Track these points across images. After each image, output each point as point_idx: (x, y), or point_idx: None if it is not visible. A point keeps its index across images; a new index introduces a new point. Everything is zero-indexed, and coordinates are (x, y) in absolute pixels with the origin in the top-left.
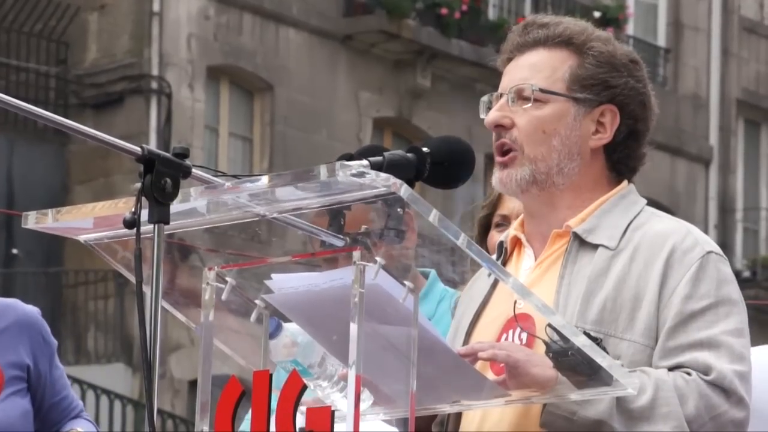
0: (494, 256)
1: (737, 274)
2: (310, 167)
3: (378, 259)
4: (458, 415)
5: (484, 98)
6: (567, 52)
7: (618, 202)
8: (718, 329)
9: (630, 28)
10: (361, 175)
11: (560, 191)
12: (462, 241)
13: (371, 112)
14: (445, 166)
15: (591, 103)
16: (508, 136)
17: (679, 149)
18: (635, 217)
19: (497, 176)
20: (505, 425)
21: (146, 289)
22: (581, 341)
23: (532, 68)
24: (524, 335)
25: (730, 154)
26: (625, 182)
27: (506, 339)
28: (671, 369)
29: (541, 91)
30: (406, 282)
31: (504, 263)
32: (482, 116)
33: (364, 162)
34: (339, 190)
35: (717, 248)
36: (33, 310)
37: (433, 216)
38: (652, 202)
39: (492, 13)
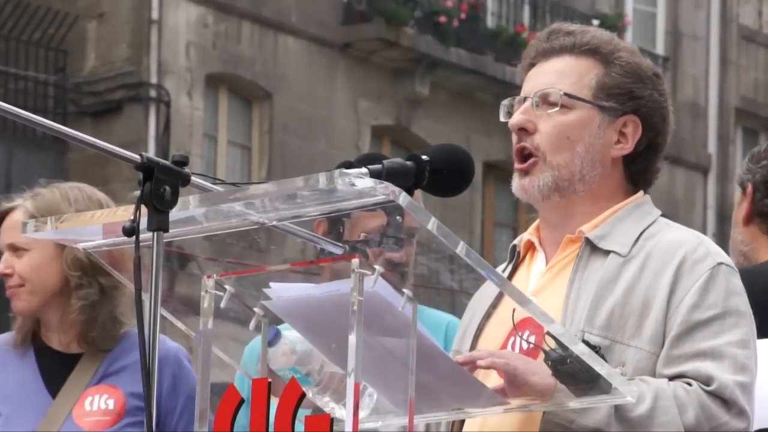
0: (506, 261)
1: None
2: (309, 175)
3: (377, 267)
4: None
5: (505, 102)
6: (593, 60)
7: (632, 210)
8: (723, 340)
9: (628, 37)
10: (360, 182)
11: (580, 198)
12: (461, 249)
13: (370, 120)
14: (444, 174)
15: (615, 113)
16: (530, 141)
17: (678, 157)
18: (649, 227)
19: (518, 183)
20: (507, 426)
21: (145, 297)
22: (580, 349)
23: (559, 74)
24: (533, 338)
25: (729, 162)
26: (641, 192)
27: (512, 345)
28: (674, 377)
29: (568, 96)
30: (404, 290)
31: (516, 266)
32: (502, 119)
33: (363, 170)
34: (338, 197)
35: (728, 260)
36: (175, 348)
37: (432, 224)
38: None
39: (490, 21)
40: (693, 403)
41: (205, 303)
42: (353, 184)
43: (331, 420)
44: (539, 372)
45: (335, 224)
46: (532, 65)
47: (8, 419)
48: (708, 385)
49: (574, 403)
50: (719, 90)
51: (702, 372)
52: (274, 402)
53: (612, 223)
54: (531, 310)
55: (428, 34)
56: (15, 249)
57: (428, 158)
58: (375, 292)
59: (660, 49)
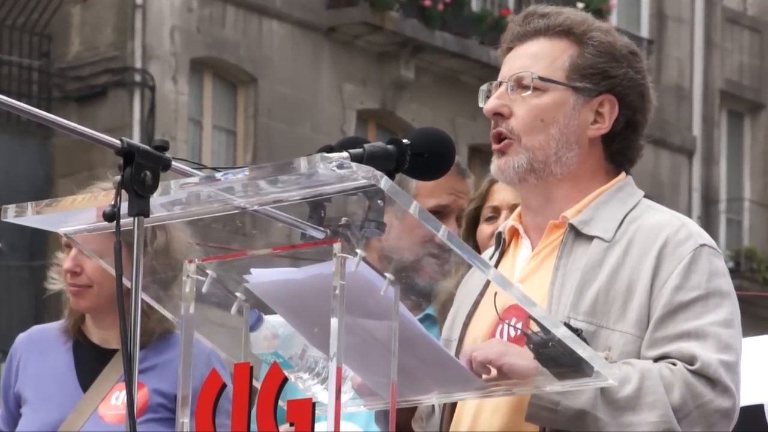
0: (492, 248)
1: None
2: (290, 159)
3: (358, 251)
4: (452, 412)
5: (483, 87)
6: (567, 41)
7: (615, 194)
8: (706, 320)
9: (613, 19)
10: (341, 167)
11: (558, 181)
12: (443, 233)
13: (355, 104)
14: (425, 158)
15: (590, 93)
16: (505, 126)
17: (663, 140)
18: (632, 210)
19: (495, 164)
20: (497, 421)
21: (126, 282)
22: (562, 332)
23: (532, 57)
24: (519, 323)
25: (714, 145)
26: (623, 174)
27: (500, 332)
28: (658, 359)
29: (541, 79)
30: (386, 274)
31: (502, 254)
32: (481, 105)
33: (345, 154)
34: (319, 182)
35: (711, 241)
36: (205, 350)
37: (414, 208)
38: None
39: (475, 5)
40: (678, 382)
41: (187, 288)
42: (335, 168)
43: (313, 404)
44: (523, 355)
45: (316, 208)
46: (509, 49)
47: (34, 408)
48: (692, 365)
49: (556, 387)
50: (704, 73)
51: (685, 352)
52: None
53: (595, 207)
54: (513, 293)
55: (413, 17)
56: None
57: (409, 142)
58: (357, 276)
59: (644, 31)
